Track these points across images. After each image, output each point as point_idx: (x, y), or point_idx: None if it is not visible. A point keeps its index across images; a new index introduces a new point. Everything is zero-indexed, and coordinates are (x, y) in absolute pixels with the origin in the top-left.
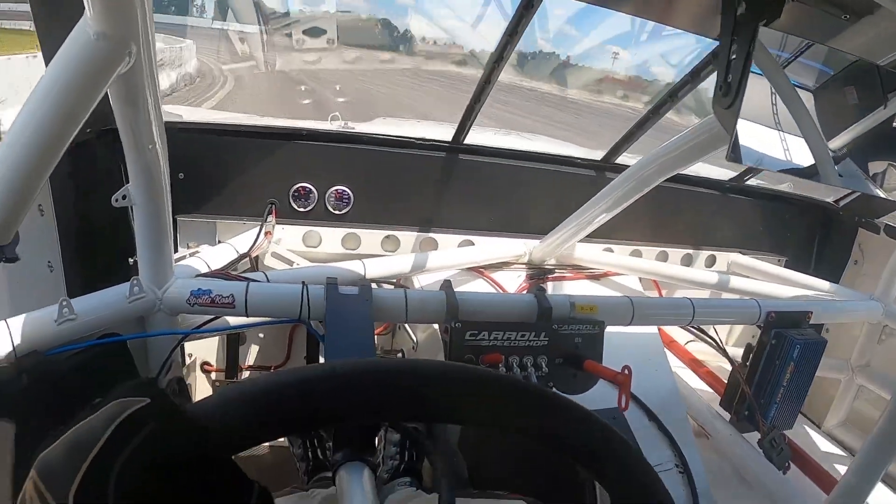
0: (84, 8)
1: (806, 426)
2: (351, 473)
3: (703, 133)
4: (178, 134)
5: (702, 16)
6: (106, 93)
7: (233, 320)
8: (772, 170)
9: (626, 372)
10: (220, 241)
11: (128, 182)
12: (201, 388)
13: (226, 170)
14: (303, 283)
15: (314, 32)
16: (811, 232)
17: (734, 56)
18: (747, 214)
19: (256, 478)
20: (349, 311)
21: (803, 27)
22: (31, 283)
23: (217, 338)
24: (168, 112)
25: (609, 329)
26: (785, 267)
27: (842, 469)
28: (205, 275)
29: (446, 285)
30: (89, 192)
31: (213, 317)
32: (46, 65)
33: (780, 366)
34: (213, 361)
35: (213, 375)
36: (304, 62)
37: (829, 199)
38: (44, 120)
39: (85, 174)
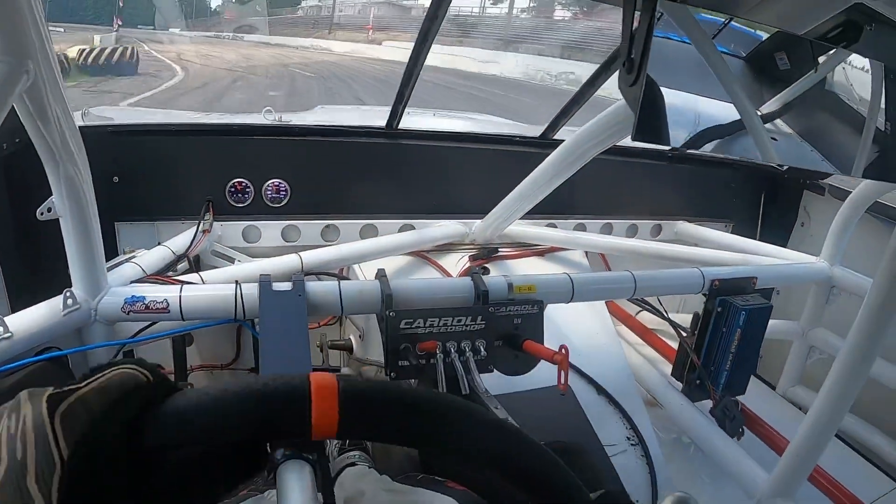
0: None
1: (762, 389)
2: (289, 473)
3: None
4: (110, 137)
5: None
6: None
7: (172, 324)
8: (692, 148)
9: (563, 351)
10: (160, 244)
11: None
12: None
13: (161, 170)
14: (236, 282)
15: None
16: (756, 196)
17: (636, 28)
18: (691, 182)
19: None
20: (283, 308)
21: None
22: None
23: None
24: (97, 115)
25: (554, 306)
26: (732, 233)
27: (797, 430)
28: (140, 280)
29: (380, 274)
30: (24, 203)
31: (151, 322)
32: None
33: (727, 333)
34: (164, 363)
35: None
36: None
37: (774, 164)
38: None
39: (18, 184)
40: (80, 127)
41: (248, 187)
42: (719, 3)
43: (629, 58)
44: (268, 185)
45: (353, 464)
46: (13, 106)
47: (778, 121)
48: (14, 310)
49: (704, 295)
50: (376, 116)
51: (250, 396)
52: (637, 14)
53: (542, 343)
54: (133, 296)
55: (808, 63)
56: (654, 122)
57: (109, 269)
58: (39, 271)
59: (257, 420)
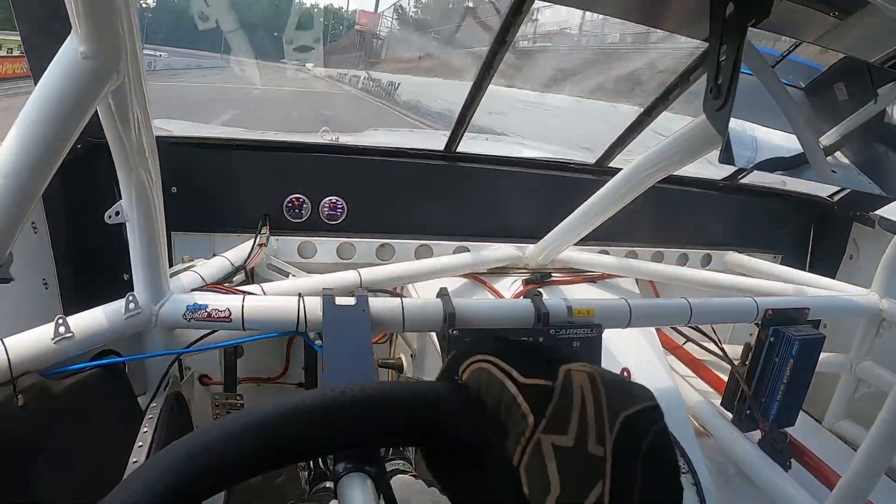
0: (71, 27)
1: (808, 422)
2: (352, 485)
3: (697, 134)
4: (170, 148)
5: (689, 18)
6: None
7: (229, 334)
8: (764, 170)
9: (626, 375)
10: (214, 255)
11: (121, 198)
12: (200, 403)
13: (219, 183)
14: (299, 294)
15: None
16: (806, 228)
17: (724, 58)
18: (741, 212)
19: (259, 485)
20: (346, 323)
21: (792, 27)
22: (26, 301)
23: (215, 350)
24: (158, 127)
25: (608, 331)
26: (781, 264)
27: (844, 464)
28: (200, 289)
29: (443, 293)
30: (82, 208)
31: (209, 331)
32: (35, 83)
33: (779, 363)
34: (211, 374)
35: (212, 389)
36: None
37: (824, 195)
38: (33, 140)
39: (77, 190)
40: None
41: (306, 203)
42: (794, 30)
43: (716, 83)
44: (325, 202)
45: (398, 471)
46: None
47: (837, 153)
48: (65, 310)
49: (757, 325)
50: (428, 139)
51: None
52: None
53: (601, 366)
54: (196, 303)
55: (867, 94)
56: (729, 145)
57: (170, 276)
58: (90, 279)
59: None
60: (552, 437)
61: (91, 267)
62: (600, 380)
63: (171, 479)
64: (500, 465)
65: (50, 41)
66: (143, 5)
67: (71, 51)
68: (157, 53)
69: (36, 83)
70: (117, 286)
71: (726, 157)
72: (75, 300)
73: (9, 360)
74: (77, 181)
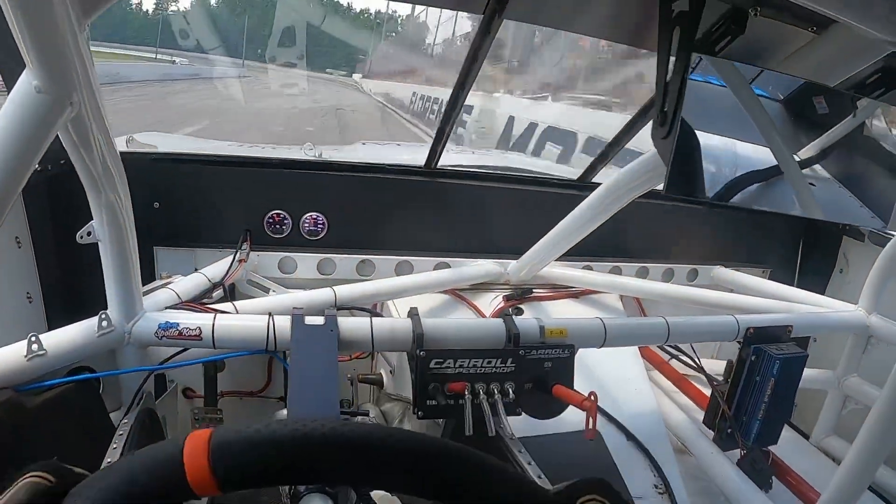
0: None
1: (796, 439)
2: None
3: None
4: (153, 164)
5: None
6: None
7: (204, 351)
8: (739, 202)
9: (593, 398)
10: (196, 269)
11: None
12: (183, 415)
13: (201, 198)
14: (269, 314)
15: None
16: (795, 242)
17: (669, 85)
18: (729, 227)
19: None
20: (314, 342)
21: (761, 49)
22: (10, 314)
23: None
24: (142, 143)
25: (587, 349)
26: (770, 278)
27: (829, 482)
28: (175, 306)
29: (412, 313)
30: (68, 223)
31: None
32: None
33: (760, 382)
34: (195, 387)
35: (195, 402)
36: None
37: (813, 217)
38: None
39: (62, 205)
40: (122, 153)
41: (287, 219)
42: (752, 56)
43: (662, 111)
44: (306, 218)
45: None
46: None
47: (816, 166)
48: (50, 327)
49: (739, 342)
50: (416, 152)
51: (132, 475)
52: (671, 66)
53: (573, 387)
54: (167, 322)
55: (846, 107)
56: (689, 173)
57: (145, 293)
58: (77, 292)
59: (145, 494)
60: None
61: (76, 281)
62: None
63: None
64: None
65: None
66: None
67: (26, 84)
68: (173, 59)
69: None
70: (100, 300)
71: (671, 187)
72: (60, 313)
73: None
74: (62, 196)
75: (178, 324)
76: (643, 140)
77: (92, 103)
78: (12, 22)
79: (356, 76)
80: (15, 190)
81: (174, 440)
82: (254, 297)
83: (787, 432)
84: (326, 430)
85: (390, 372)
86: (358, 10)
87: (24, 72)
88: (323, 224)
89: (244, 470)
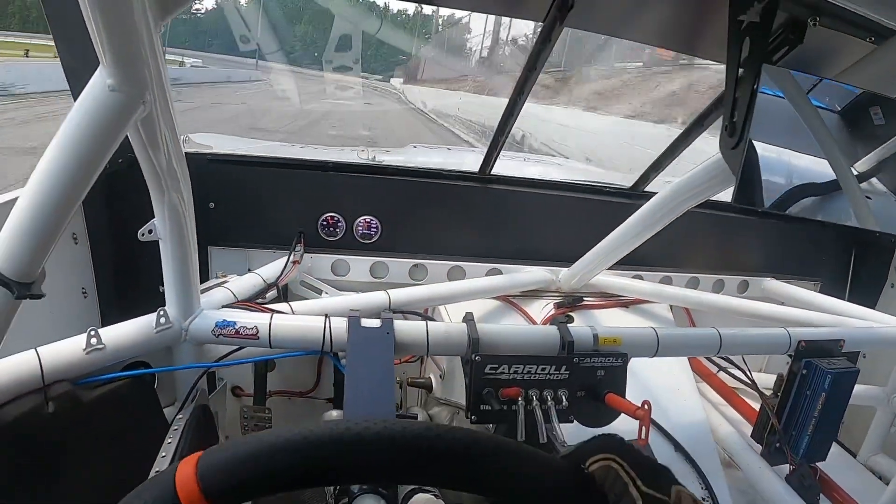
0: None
1: (842, 456)
2: None
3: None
4: (209, 165)
5: (721, 44)
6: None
7: (258, 350)
8: (790, 206)
9: (646, 407)
10: (250, 270)
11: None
12: (232, 413)
13: (256, 200)
14: (325, 315)
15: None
16: (847, 255)
17: (739, 95)
18: (780, 238)
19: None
20: (370, 345)
21: (820, 59)
22: (65, 309)
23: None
24: (198, 143)
25: (637, 359)
26: (820, 291)
27: (876, 501)
28: (231, 305)
29: (468, 318)
30: (123, 221)
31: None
32: None
33: (810, 396)
34: (244, 386)
35: (243, 401)
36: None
37: (870, 228)
38: (63, 168)
39: (119, 203)
40: None
41: (340, 222)
42: (810, 66)
43: (731, 121)
44: (359, 222)
45: (419, 489)
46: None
47: (873, 179)
48: (103, 320)
49: (790, 356)
50: (466, 157)
51: None
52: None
53: (625, 396)
54: (224, 320)
55: None
56: (749, 183)
57: (202, 291)
58: (129, 288)
59: None
60: None
61: (129, 277)
62: None
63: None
64: None
65: (90, 68)
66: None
67: (99, 83)
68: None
69: None
70: (154, 297)
71: (740, 197)
72: (113, 309)
73: (42, 368)
74: (119, 194)
75: (235, 322)
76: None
77: (162, 103)
78: (89, 19)
79: (395, 81)
80: (85, 187)
81: (170, 470)
82: (306, 299)
83: (834, 449)
84: (307, 433)
85: (440, 376)
86: (395, 11)
87: (98, 70)
88: (376, 227)
89: (235, 486)
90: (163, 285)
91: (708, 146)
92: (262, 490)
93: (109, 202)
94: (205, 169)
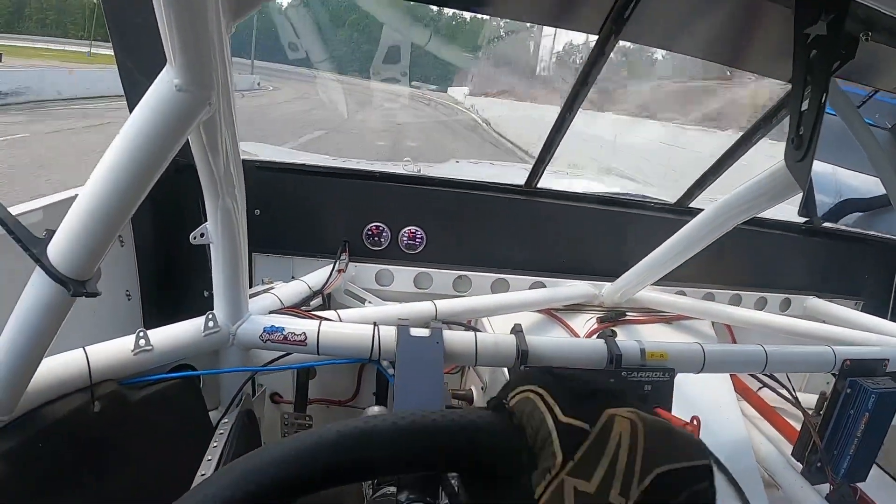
0: (166, 58)
1: (882, 478)
2: None
3: (781, 178)
4: (255, 172)
5: (773, 59)
6: None
7: (303, 356)
8: (844, 221)
9: (695, 423)
10: (293, 278)
11: (206, 220)
12: (270, 420)
13: (301, 208)
14: (374, 323)
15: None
16: (889, 274)
17: (806, 108)
18: (822, 256)
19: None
20: (420, 354)
21: (876, 71)
22: (109, 310)
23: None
24: (244, 151)
25: (680, 374)
26: (862, 310)
27: None
28: (278, 311)
29: (517, 329)
30: (168, 225)
31: (285, 352)
32: (130, 110)
33: (854, 416)
34: (283, 393)
35: (282, 407)
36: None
37: None
38: (126, 166)
39: (164, 207)
40: None
41: (385, 232)
42: (865, 80)
43: (798, 134)
44: (404, 232)
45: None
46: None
47: None
48: (146, 323)
49: (833, 375)
50: (508, 172)
51: None
52: (808, 92)
53: (671, 411)
54: (273, 325)
55: None
56: (811, 198)
57: (250, 297)
58: (173, 292)
59: None
60: (575, 480)
61: (173, 281)
62: (643, 429)
63: (232, 494)
64: (523, 497)
65: (145, 70)
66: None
67: (166, 82)
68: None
69: (130, 109)
70: (196, 302)
71: (806, 210)
72: (156, 312)
73: (89, 367)
74: (164, 198)
75: (283, 328)
76: None
77: (226, 106)
78: (161, 18)
79: (457, 89)
80: (146, 187)
81: None
82: (350, 308)
83: (873, 471)
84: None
85: (482, 388)
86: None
87: (164, 69)
88: (421, 238)
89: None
90: (206, 290)
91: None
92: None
93: (155, 206)
94: (252, 176)
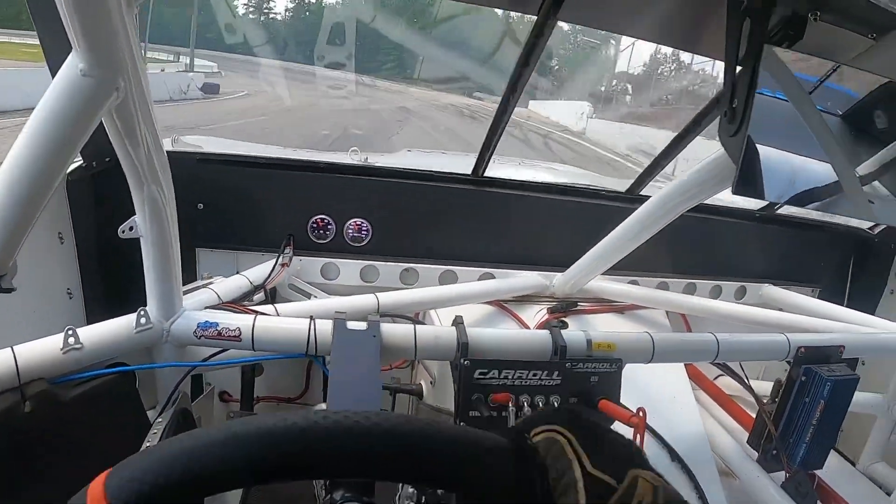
0: None
1: (841, 464)
2: None
3: (723, 165)
4: (198, 164)
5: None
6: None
7: (243, 352)
8: (793, 204)
9: (641, 414)
10: (238, 272)
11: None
12: (219, 419)
13: (245, 201)
14: (310, 317)
15: (334, 66)
16: (845, 260)
17: (738, 79)
18: (778, 244)
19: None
20: (356, 348)
21: (819, 47)
22: (50, 309)
23: (237, 367)
24: (187, 143)
25: (632, 364)
26: (819, 297)
27: None
28: (215, 307)
29: (457, 321)
30: (111, 221)
31: (223, 348)
32: None
33: (809, 403)
34: (231, 391)
35: (231, 406)
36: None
37: (864, 226)
38: (35, 154)
39: (106, 203)
40: (168, 152)
41: (331, 224)
42: (826, 51)
43: (731, 107)
44: (350, 224)
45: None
46: (102, 123)
47: (875, 182)
48: (89, 321)
49: (788, 362)
50: (460, 163)
51: None
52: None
53: (619, 402)
54: (206, 321)
55: None
56: (752, 175)
57: (186, 292)
58: (116, 289)
59: None
60: None
61: (116, 279)
62: (664, 496)
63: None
64: None
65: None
66: None
67: (72, 67)
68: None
69: None
70: (141, 298)
71: (740, 188)
72: (99, 310)
73: (17, 367)
74: (106, 194)
75: (217, 323)
76: None
77: (138, 90)
78: (60, 1)
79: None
80: (58, 174)
81: (80, 494)
82: (294, 302)
83: (832, 457)
84: (208, 434)
85: (430, 382)
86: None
87: (70, 54)
88: (367, 230)
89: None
90: None
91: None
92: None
93: (97, 202)
94: (193, 169)
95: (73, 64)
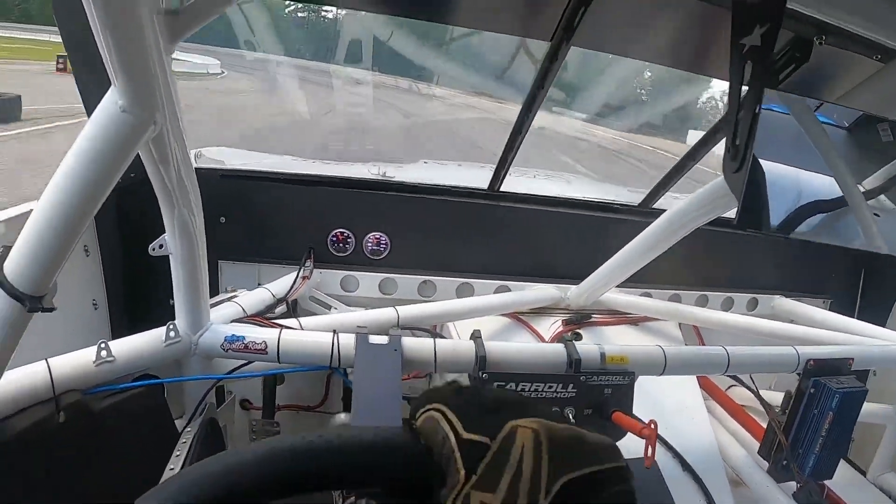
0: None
1: (852, 475)
2: None
3: None
4: (220, 180)
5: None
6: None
7: (267, 364)
8: (802, 232)
9: (652, 426)
10: (259, 285)
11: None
12: (240, 427)
13: (266, 215)
14: (334, 331)
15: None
16: (856, 272)
17: (741, 119)
18: (790, 256)
19: None
20: (378, 361)
21: (817, 82)
22: (75, 320)
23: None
24: (210, 158)
25: (645, 376)
26: (829, 309)
27: None
28: (240, 320)
29: (475, 335)
30: (134, 234)
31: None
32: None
33: (818, 415)
34: (253, 399)
35: (252, 414)
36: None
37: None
38: (75, 184)
39: (131, 216)
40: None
41: (350, 238)
42: (815, 87)
43: (734, 144)
44: (369, 238)
45: None
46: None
47: (881, 196)
48: (113, 335)
49: (798, 374)
50: (476, 175)
51: None
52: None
53: (632, 414)
54: (233, 334)
55: None
56: (755, 204)
57: (212, 306)
58: (140, 301)
59: None
60: (481, 494)
61: (140, 291)
62: (546, 438)
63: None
64: None
65: (103, 85)
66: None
67: (111, 103)
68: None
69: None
70: (164, 311)
71: (744, 220)
72: (123, 321)
73: (52, 378)
74: (131, 208)
75: (244, 337)
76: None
77: (173, 123)
78: (101, 42)
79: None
80: (96, 204)
81: None
82: (316, 314)
83: (843, 467)
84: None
85: None
86: None
87: (109, 91)
88: (386, 244)
89: None
90: (171, 299)
91: None
92: None
93: (121, 216)
94: (216, 184)
95: (112, 100)
